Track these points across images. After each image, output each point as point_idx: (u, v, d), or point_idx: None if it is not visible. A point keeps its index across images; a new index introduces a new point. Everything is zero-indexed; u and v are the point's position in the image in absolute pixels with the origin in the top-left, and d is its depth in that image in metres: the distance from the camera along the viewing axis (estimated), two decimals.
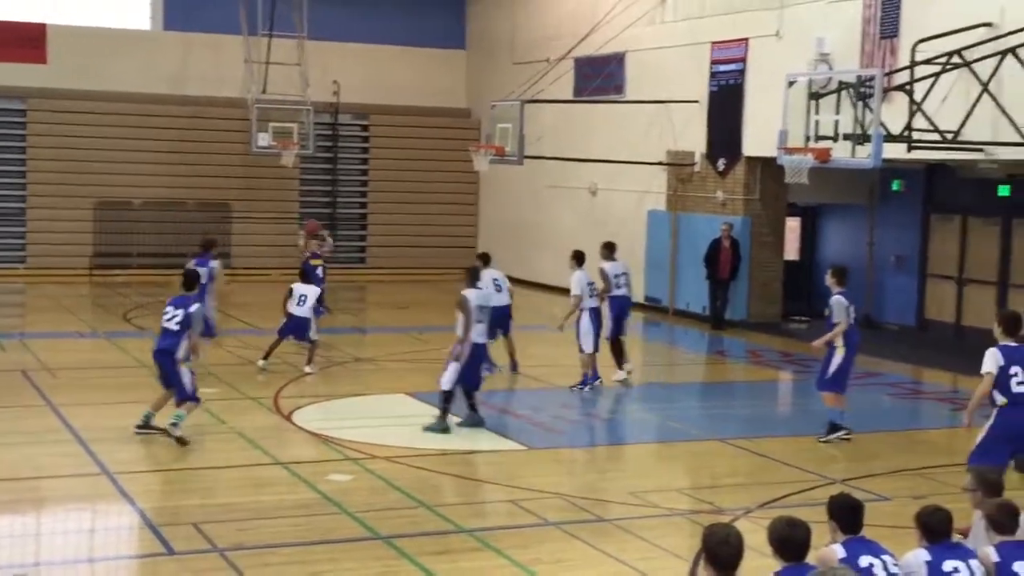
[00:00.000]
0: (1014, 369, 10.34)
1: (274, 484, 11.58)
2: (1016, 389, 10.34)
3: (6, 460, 12.12)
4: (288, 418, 14.27)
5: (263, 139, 27.88)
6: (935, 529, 6.69)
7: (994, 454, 10.20)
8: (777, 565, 6.06)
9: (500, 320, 16.80)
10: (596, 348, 16.56)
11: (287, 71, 28.43)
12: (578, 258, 16.96)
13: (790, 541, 6.04)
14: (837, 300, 13.87)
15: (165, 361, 12.85)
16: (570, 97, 26.76)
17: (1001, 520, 6.86)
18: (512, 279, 29.73)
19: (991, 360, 10.39)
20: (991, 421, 10.51)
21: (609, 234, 26.40)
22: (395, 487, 11.40)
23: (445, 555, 9.51)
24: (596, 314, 16.60)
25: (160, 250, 29.02)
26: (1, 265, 27.92)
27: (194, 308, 12.80)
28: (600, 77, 26.23)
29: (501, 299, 17.09)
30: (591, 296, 16.59)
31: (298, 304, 17.11)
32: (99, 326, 21.80)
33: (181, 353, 12.71)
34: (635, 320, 24.45)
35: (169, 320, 12.81)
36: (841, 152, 15.58)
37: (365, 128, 31.40)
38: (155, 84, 28.86)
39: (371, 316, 26.63)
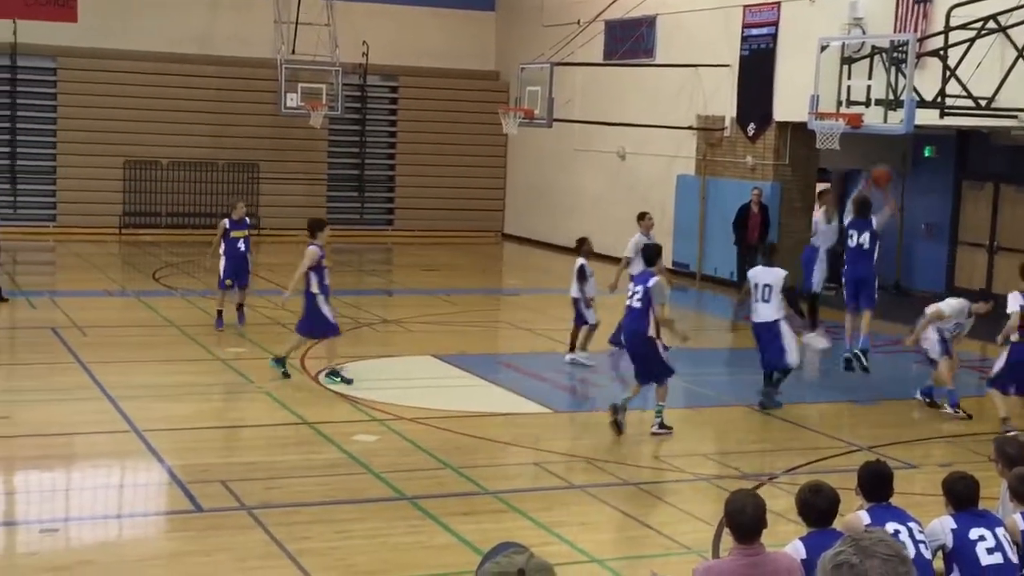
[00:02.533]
0: None
1: (301, 444, 11.65)
2: None
3: (36, 416, 12.23)
4: (315, 379, 14.33)
5: (292, 100, 27.85)
6: (961, 496, 6.67)
7: (1008, 380, 12.79)
8: (804, 530, 6.07)
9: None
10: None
11: (316, 31, 28.38)
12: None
13: (814, 507, 6.05)
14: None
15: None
16: (600, 60, 26.60)
17: (1022, 490, 6.84)
18: (540, 243, 29.72)
19: (1014, 300, 12.67)
20: (1006, 352, 12.77)
21: (637, 199, 26.42)
22: (421, 448, 11.44)
23: (470, 516, 9.55)
24: None
25: (189, 210, 29.12)
26: (32, 223, 28.07)
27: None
28: (631, 40, 26.05)
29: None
30: None
31: None
32: (128, 285, 21.92)
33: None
34: None
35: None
36: (873, 118, 15.43)
37: (394, 90, 31.33)
38: (185, 44, 28.86)
39: (398, 278, 26.65)
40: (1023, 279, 12.92)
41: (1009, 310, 12.76)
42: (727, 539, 8.21)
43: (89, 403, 12.77)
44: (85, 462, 11.16)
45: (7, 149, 28.14)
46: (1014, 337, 12.69)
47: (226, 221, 17.42)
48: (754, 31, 23.32)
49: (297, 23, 28.14)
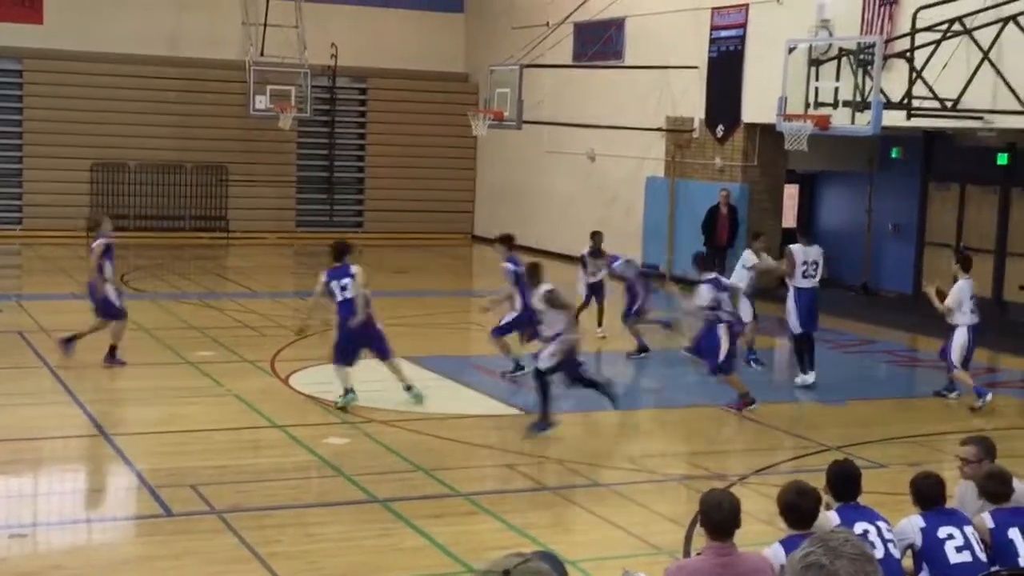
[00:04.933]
0: None
1: (271, 447, 11.62)
2: None
3: (3, 421, 12.13)
4: (285, 381, 14.29)
5: (261, 102, 27.79)
6: (927, 495, 6.73)
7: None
8: (778, 532, 6.10)
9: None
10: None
11: (285, 33, 28.32)
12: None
13: (798, 509, 6.06)
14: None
15: None
16: (569, 62, 26.65)
17: (995, 489, 6.90)
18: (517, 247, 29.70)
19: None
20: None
21: (606, 200, 26.49)
22: (392, 451, 11.43)
23: (442, 519, 9.55)
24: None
25: (156, 212, 28.99)
26: None
27: None
28: (599, 42, 26.12)
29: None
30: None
31: None
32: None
33: None
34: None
35: None
36: (841, 119, 15.53)
37: (363, 92, 31.29)
38: (152, 45, 28.72)
39: (370, 281, 26.58)
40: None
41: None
42: (699, 539, 8.24)
43: (57, 407, 12.69)
44: (53, 466, 11.09)
45: None
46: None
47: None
48: (722, 33, 23.42)
49: (266, 25, 28.07)
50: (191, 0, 29.07)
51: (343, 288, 12.91)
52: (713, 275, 14.02)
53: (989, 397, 13.89)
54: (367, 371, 15.44)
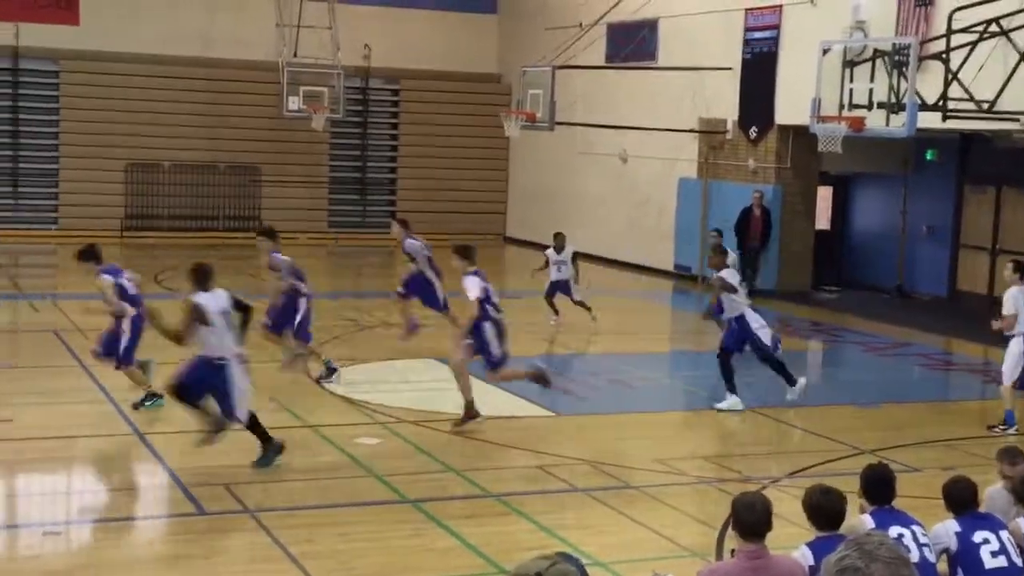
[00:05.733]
0: None
1: (303, 446, 11.63)
2: None
3: (38, 419, 12.22)
4: (317, 381, 14.31)
5: (294, 103, 27.87)
6: (959, 500, 6.68)
7: None
8: (810, 535, 6.06)
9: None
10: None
11: (318, 34, 28.40)
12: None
13: (824, 510, 6.03)
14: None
15: None
16: (602, 63, 26.62)
17: None
18: (542, 246, 29.71)
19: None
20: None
21: (638, 201, 26.44)
22: (423, 451, 11.44)
23: (473, 519, 9.55)
24: None
25: (190, 212, 29.13)
26: (34, 226, 28.08)
27: None
28: (633, 43, 26.06)
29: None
30: None
31: None
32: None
33: None
34: (664, 288, 24.46)
35: None
36: (875, 121, 15.45)
37: (396, 93, 31.35)
38: (187, 46, 28.87)
39: (399, 281, 26.62)
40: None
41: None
42: (730, 542, 8.20)
43: (91, 406, 12.77)
44: (87, 465, 11.16)
45: (9, 152, 28.16)
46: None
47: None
48: (756, 34, 23.33)
49: (299, 26, 28.16)
50: (225, 2, 29.21)
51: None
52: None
53: (1011, 431, 13.01)
54: (399, 373, 15.50)
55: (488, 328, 12.28)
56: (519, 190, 31.57)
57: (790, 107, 21.87)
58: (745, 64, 23.60)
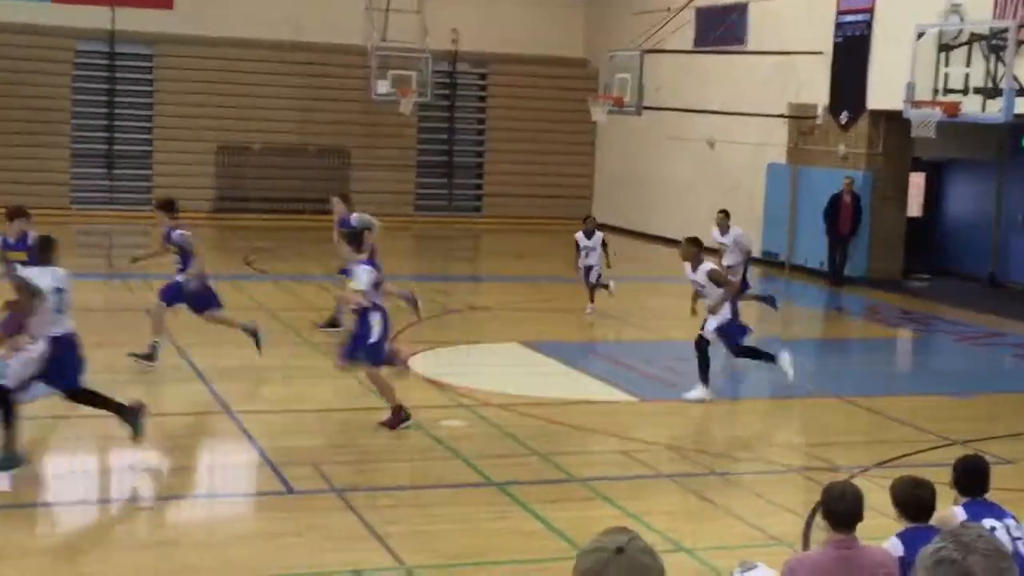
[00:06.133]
0: None
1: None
2: None
3: (132, 397, 12.43)
4: (404, 363, 14.40)
5: (382, 86, 28.02)
6: None
7: None
8: (899, 525, 5.98)
9: None
10: None
11: (407, 18, 28.51)
12: None
13: (915, 501, 5.95)
14: None
15: None
16: (690, 47, 26.42)
17: None
18: (627, 231, 29.65)
19: None
20: None
21: (727, 187, 26.23)
22: (508, 434, 11.48)
23: (558, 503, 9.57)
24: None
25: (279, 195, 29.46)
26: (128, 207, 28.60)
27: None
28: (722, 27, 25.83)
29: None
30: None
31: None
32: (220, 269, 22.19)
33: None
34: (751, 275, 24.25)
35: None
36: (970, 106, 15.18)
37: (483, 77, 31.41)
38: (277, 30, 29.16)
39: (486, 264, 26.74)
40: None
41: None
42: (817, 532, 8.13)
43: (183, 384, 12.99)
44: (179, 442, 11.35)
45: (105, 134, 28.72)
46: None
47: None
48: (848, 18, 22.99)
49: (388, 10, 28.30)
50: None
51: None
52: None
53: None
54: (486, 355, 15.57)
55: (375, 318, 11.56)
56: (606, 175, 31.48)
57: (882, 92, 21.52)
58: (836, 48, 23.26)
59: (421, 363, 14.44)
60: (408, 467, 10.51)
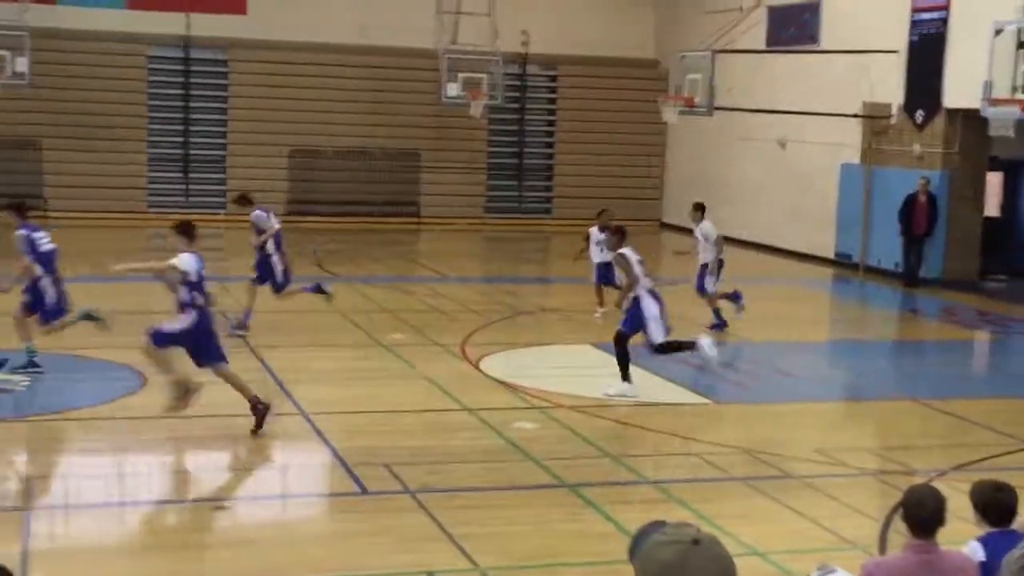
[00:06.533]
0: None
1: (462, 429, 11.78)
2: None
3: (209, 397, 12.57)
4: (475, 365, 14.47)
5: (452, 89, 28.14)
6: None
7: None
8: (979, 530, 5.89)
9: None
10: None
11: (477, 21, 28.61)
12: None
13: (997, 505, 5.85)
14: None
15: None
16: (762, 47, 26.23)
17: None
18: None
19: None
20: None
21: (800, 187, 26.01)
22: (580, 436, 11.47)
23: (630, 505, 9.55)
24: None
25: (350, 198, 29.68)
26: (202, 210, 28.95)
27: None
28: (794, 26, 25.61)
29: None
30: None
31: None
32: (293, 271, 22.39)
33: None
34: (825, 276, 24.03)
35: None
36: None
37: (553, 79, 31.41)
38: (349, 34, 29.38)
39: (556, 266, 26.72)
40: None
41: None
42: (896, 536, 8.04)
43: (257, 386, 13.08)
44: (254, 443, 11.47)
45: (180, 139, 29.12)
46: None
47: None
48: (924, 15, 22.69)
49: (459, 13, 28.41)
50: None
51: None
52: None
53: None
54: (557, 357, 15.56)
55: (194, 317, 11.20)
56: (676, 176, 31.34)
57: (959, 90, 21.22)
58: (911, 46, 22.97)
59: (492, 365, 14.48)
60: (480, 468, 10.54)
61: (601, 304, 17.55)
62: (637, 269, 13.04)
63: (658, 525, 3.00)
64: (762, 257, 25.95)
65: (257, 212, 15.87)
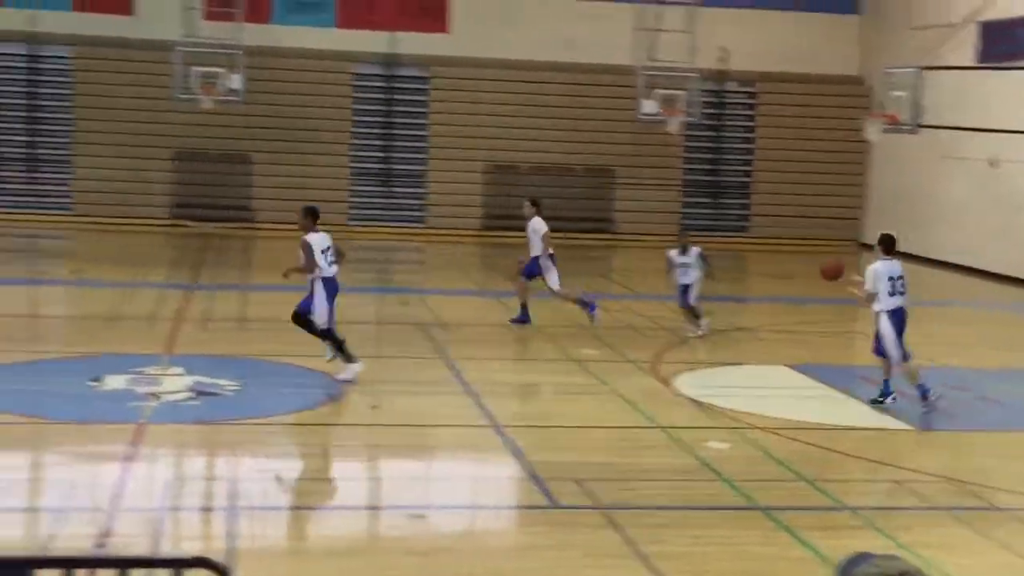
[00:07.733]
0: None
1: (652, 447, 11.70)
2: None
3: (402, 407, 12.84)
4: (667, 383, 14.36)
5: (648, 106, 28.04)
6: None
7: None
8: None
9: None
10: None
11: (674, 38, 28.45)
12: None
13: None
14: None
15: None
16: (972, 63, 25.34)
17: None
18: (901, 253, 28.67)
19: None
20: None
21: (1012, 207, 24.99)
22: (774, 458, 11.25)
23: (826, 531, 9.30)
24: None
25: (545, 214, 29.74)
26: (403, 224, 29.58)
27: None
28: (1008, 42, 24.67)
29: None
30: None
31: None
32: (488, 285, 22.69)
33: None
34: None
35: None
36: None
37: (752, 95, 31.00)
38: (548, 52, 29.58)
39: (752, 285, 26.35)
40: None
41: None
42: None
43: (452, 397, 13.30)
44: (448, 453, 11.64)
45: (382, 154, 29.83)
46: None
47: None
48: None
49: (658, 30, 28.30)
50: (586, 8, 29.75)
51: None
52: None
53: None
54: (751, 377, 15.32)
55: None
56: (877, 195, 30.52)
57: None
58: None
59: (684, 383, 14.35)
60: (671, 487, 10.44)
61: (698, 319, 17.31)
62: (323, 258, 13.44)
63: (865, 556, 2.92)
64: (968, 280, 25.04)
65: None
